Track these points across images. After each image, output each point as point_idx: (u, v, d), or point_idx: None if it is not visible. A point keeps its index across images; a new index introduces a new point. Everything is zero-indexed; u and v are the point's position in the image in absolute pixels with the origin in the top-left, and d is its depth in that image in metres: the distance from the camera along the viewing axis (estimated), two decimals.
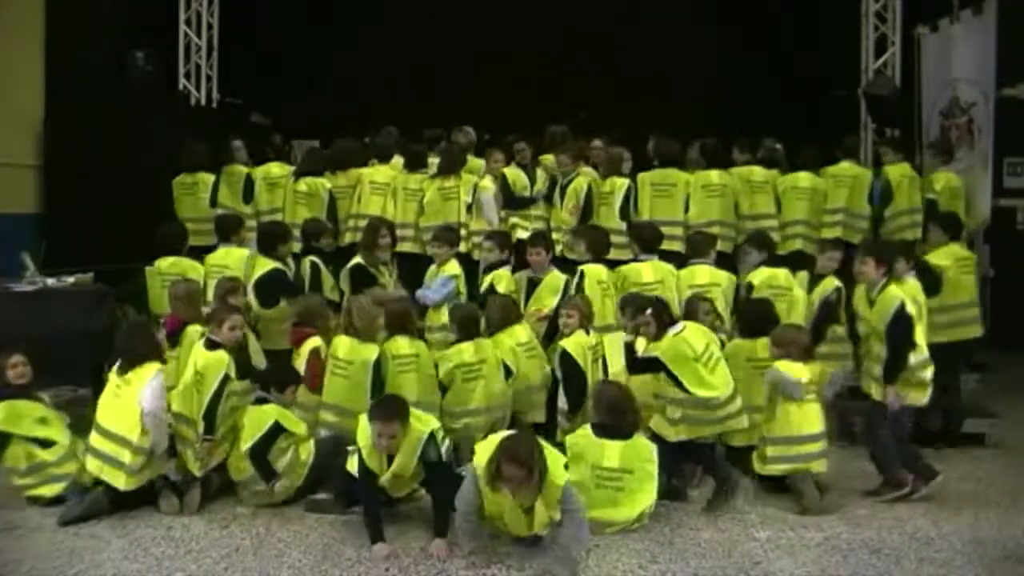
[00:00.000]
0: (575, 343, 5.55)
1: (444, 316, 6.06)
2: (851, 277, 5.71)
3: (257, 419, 4.95)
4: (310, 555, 4.35)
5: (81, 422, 5.24)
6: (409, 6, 9.98)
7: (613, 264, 6.39)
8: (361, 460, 4.53)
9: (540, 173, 7.30)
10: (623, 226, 6.94)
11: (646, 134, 7.72)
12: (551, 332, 6.02)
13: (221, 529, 4.68)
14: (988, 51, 7.31)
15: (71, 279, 6.78)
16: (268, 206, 7.39)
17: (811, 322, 5.90)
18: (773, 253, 6.45)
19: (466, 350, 5.48)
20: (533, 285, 6.33)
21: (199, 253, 6.65)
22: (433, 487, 4.62)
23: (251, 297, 6.04)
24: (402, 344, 5.45)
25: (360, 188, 7.26)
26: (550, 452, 4.28)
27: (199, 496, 4.91)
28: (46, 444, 5.00)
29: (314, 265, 6.44)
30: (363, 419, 4.58)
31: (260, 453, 4.89)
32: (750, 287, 6.07)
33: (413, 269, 6.78)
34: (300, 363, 5.44)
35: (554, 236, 6.96)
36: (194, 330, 5.47)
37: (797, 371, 5.03)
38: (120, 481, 4.74)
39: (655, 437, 5.04)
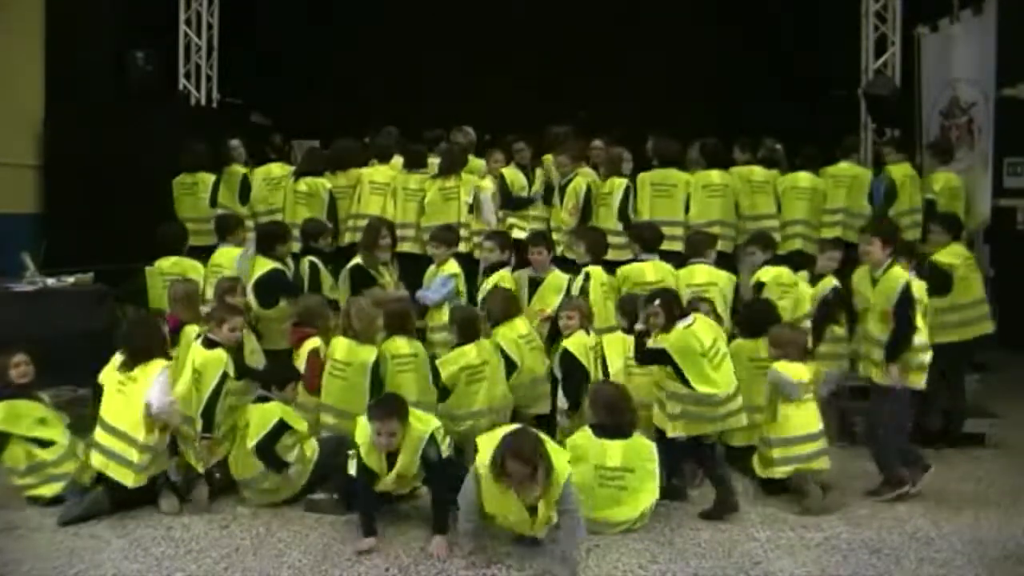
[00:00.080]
0: (577, 343, 5.56)
1: (445, 315, 6.06)
2: (851, 277, 5.71)
3: (262, 416, 4.96)
4: (310, 555, 4.36)
5: (81, 422, 5.26)
6: (409, 6, 9.98)
7: (612, 265, 6.39)
8: (359, 458, 4.53)
9: (539, 174, 7.31)
10: (621, 227, 6.94)
11: (646, 134, 7.72)
12: (553, 334, 6.02)
13: (221, 529, 4.69)
14: (988, 51, 7.30)
15: (71, 279, 6.79)
16: (269, 206, 7.39)
17: (810, 322, 5.90)
18: (775, 253, 6.46)
19: (469, 352, 5.48)
20: (534, 284, 6.36)
21: (199, 253, 6.66)
22: (433, 486, 4.64)
23: (251, 297, 6.03)
24: (401, 344, 5.46)
25: (360, 188, 7.26)
26: (553, 448, 4.28)
27: (207, 492, 4.92)
28: (45, 444, 5.00)
29: (313, 265, 6.43)
30: (361, 418, 4.60)
31: (267, 448, 4.90)
32: (760, 285, 6.06)
33: (413, 269, 6.78)
34: (300, 363, 5.44)
35: (554, 236, 6.97)
36: (191, 330, 5.48)
37: (796, 372, 5.03)
38: (128, 479, 4.75)
39: (657, 434, 5.05)
